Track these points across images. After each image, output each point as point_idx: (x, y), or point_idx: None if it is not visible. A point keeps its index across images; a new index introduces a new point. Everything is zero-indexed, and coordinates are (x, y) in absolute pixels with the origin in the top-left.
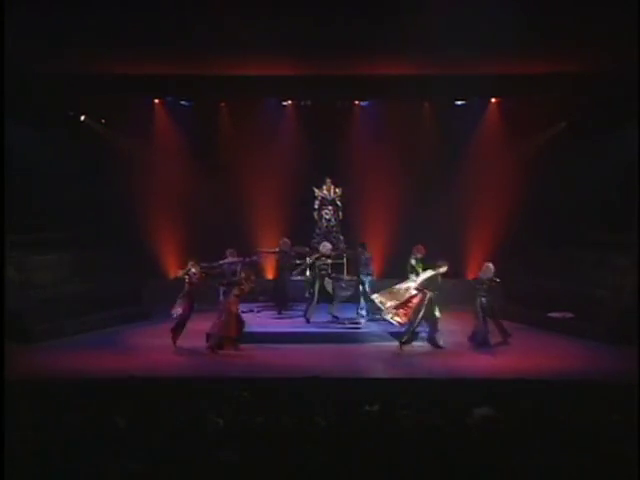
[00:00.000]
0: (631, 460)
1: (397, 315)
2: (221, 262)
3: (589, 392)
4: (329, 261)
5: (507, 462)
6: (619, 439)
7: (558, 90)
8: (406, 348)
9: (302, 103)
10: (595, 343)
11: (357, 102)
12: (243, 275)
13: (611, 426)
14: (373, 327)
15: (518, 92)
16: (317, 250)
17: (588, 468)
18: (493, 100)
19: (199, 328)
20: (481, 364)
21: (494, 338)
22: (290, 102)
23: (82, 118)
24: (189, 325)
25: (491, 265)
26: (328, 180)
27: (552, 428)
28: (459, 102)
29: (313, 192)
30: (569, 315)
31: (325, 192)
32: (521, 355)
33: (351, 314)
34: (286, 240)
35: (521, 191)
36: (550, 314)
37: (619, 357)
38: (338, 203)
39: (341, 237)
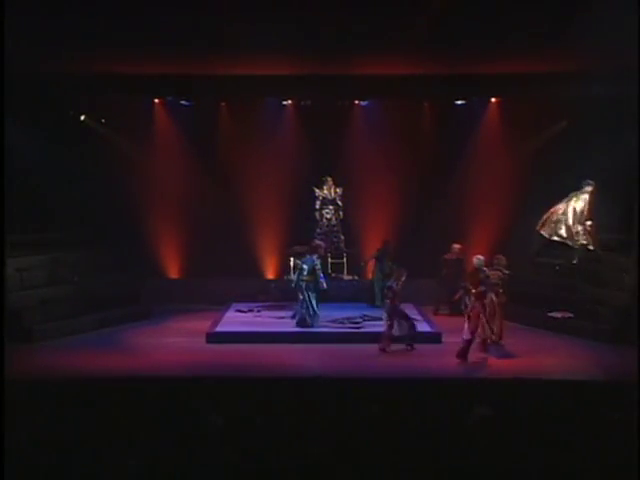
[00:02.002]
0: (631, 460)
1: None
2: None
3: (589, 392)
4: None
5: (507, 462)
6: (619, 439)
7: (558, 90)
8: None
9: (302, 103)
10: (595, 343)
11: (357, 102)
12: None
13: (611, 426)
14: (373, 327)
15: (518, 92)
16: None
17: (588, 468)
18: (493, 100)
19: (199, 328)
20: (480, 364)
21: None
22: (290, 102)
23: (82, 118)
24: (188, 325)
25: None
26: (329, 179)
27: (552, 428)
28: (459, 102)
29: (314, 192)
30: (569, 315)
31: (326, 192)
32: (521, 355)
33: (351, 314)
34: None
35: (521, 190)
36: (550, 314)
37: (619, 357)
38: (339, 202)
39: (342, 236)
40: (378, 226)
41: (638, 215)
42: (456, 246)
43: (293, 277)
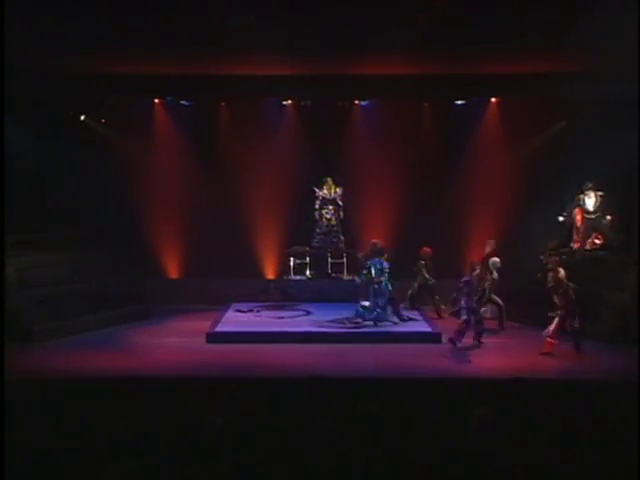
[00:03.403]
0: (631, 460)
1: None
2: None
3: (589, 392)
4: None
5: (507, 462)
6: (619, 439)
7: (558, 90)
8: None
9: (302, 103)
10: (595, 343)
11: (357, 102)
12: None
13: (611, 426)
14: (373, 327)
15: (518, 92)
16: (318, 249)
17: (588, 468)
18: (493, 100)
19: (199, 327)
20: (481, 364)
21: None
22: (290, 102)
23: (82, 118)
24: (188, 324)
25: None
26: (329, 179)
27: (552, 428)
28: (459, 102)
29: (314, 191)
30: None
31: (325, 191)
32: (521, 355)
33: (351, 314)
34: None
35: (521, 190)
36: (550, 314)
37: (619, 357)
38: (339, 202)
39: (341, 237)
40: (378, 226)
41: (638, 214)
42: (491, 241)
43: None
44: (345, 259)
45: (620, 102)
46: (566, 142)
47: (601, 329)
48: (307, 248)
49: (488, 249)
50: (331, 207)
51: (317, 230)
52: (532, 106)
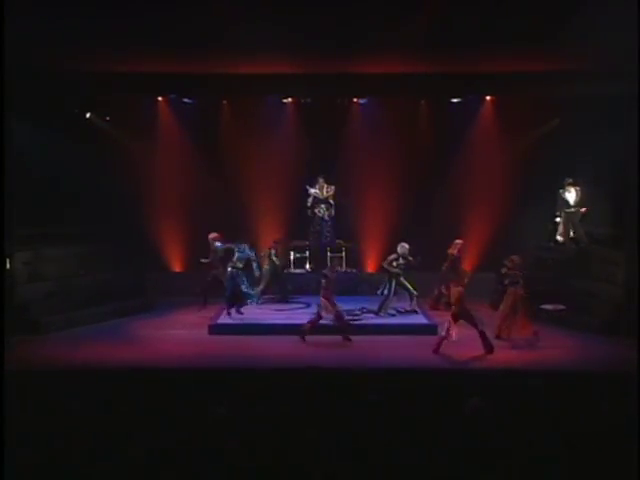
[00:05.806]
0: (628, 451)
1: None
2: None
3: (580, 382)
4: (403, 261)
5: (503, 453)
6: (613, 431)
7: (552, 89)
8: None
9: (302, 100)
10: (587, 335)
11: (355, 99)
12: None
13: (604, 418)
14: (371, 319)
15: (512, 90)
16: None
17: (584, 459)
18: (488, 98)
19: (201, 319)
20: (476, 356)
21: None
22: (291, 99)
23: (88, 115)
24: (191, 317)
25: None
26: (321, 179)
27: (547, 419)
28: (455, 100)
29: (306, 190)
30: (561, 307)
31: (317, 190)
32: (513, 347)
33: (350, 306)
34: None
35: (517, 187)
36: (542, 306)
37: (611, 349)
38: (330, 201)
39: (333, 232)
40: (375, 223)
41: (638, 210)
42: (458, 242)
43: None
44: (344, 253)
45: (613, 100)
46: (559, 139)
47: (592, 321)
48: (307, 242)
49: (453, 250)
50: (323, 205)
51: (310, 228)
52: (526, 104)
